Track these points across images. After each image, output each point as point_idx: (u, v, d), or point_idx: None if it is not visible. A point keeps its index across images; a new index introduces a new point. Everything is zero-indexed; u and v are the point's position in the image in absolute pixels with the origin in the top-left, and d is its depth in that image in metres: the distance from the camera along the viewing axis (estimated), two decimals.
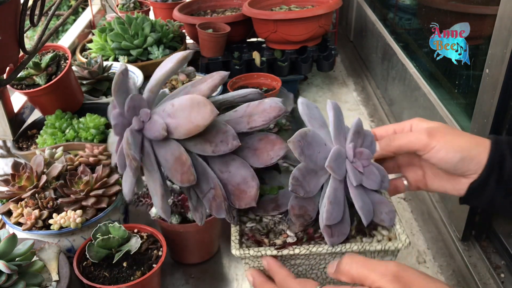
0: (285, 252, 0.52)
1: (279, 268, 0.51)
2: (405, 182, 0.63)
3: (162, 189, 0.50)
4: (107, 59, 1.37)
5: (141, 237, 0.76)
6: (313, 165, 0.51)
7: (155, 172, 0.50)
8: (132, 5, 1.82)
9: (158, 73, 0.54)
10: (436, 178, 0.60)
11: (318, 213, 0.53)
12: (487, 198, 0.55)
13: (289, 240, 0.54)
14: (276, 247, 0.53)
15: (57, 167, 0.82)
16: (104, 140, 1.01)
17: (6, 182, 0.80)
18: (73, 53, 1.46)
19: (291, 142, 0.49)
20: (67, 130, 1.00)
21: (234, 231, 0.55)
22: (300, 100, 0.56)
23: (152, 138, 0.50)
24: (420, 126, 0.58)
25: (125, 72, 0.50)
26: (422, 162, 0.61)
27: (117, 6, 1.82)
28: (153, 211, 0.78)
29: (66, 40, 1.57)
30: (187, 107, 0.48)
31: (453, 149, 0.54)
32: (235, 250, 0.52)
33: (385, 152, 0.57)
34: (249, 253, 0.52)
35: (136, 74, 1.25)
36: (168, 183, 0.80)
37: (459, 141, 0.54)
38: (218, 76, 0.52)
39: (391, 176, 0.59)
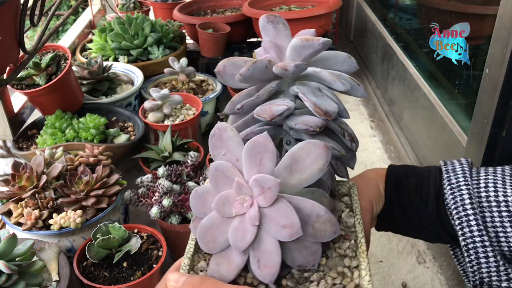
0: None
1: None
2: None
3: None
4: (107, 59, 1.37)
5: (141, 237, 0.76)
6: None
7: None
8: (132, 5, 1.82)
9: None
10: None
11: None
12: (394, 222, 0.60)
13: None
14: None
15: (57, 167, 0.82)
16: (104, 140, 1.01)
17: (6, 182, 0.80)
18: (73, 53, 1.46)
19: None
20: (67, 130, 1.00)
21: None
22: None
23: None
24: None
25: None
26: None
27: (117, 6, 1.82)
28: (153, 211, 0.78)
29: (66, 40, 1.57)
30: None
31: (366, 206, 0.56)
32: None
33: None
34: None
35: (136, 74, 1.25)
36: (167, 183, 0.80)
37: (368, 194, 0.57)
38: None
39: None
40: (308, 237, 0.41)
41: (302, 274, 0.43)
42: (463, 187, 0.53)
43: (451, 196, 0.53)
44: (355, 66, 0.50)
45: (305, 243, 0.41)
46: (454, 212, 0.52)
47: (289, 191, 0.41)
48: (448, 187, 0.54)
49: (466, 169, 0.55)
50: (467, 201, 0.51)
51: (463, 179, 0.54)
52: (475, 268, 0.51)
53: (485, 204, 0.52)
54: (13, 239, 0.66)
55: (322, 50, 0.47)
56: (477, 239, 0.50)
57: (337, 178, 0.51)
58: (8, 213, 0.79)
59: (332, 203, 0.45)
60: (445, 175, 0.55)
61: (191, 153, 0.90)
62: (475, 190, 0.53)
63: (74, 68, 1.13)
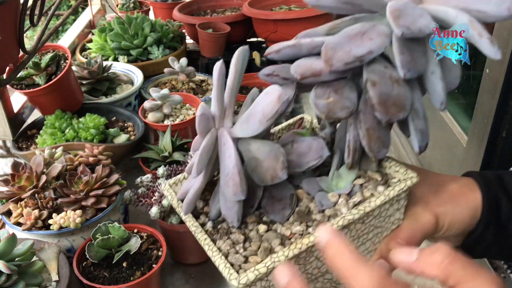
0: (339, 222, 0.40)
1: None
2: None
3: None
4: (107, 59, 1.37)
5: (141, 237, 0.76)
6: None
7: None
8: (132, 5, 1.82)
9: None
10: None
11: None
12: (482, 250, 0.49)
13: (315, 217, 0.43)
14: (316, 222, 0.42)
15: (56, 167, 0.82)
16: (103, 140, 1.01)
17: (6, 182, 0.80)
18: (73, 53, 1.45)
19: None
20: (67, 130, 1.00)
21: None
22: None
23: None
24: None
25: None
26: None
27: (117, 6, 1.82)
28: (153, 211, 0.78)
29: (66, 40, 1.57)
30: None
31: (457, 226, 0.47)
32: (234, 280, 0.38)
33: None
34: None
35: (136, 74, 1.25)
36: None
37: (460, 214, 0.47)
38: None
39: None
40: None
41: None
42: None
43: None
44: (508, 8, 0.34)
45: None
46: None
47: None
48: None
49: None
50: None
51: None
52: None
53: None
54: (12, 239, 0.66)
55: None
56: None
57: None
58: (8, 213, 0.78)
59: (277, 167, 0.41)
60: None
61: (191, 153, 0.90)
62: None
63: (74, 68, 1.13)
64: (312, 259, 0.42)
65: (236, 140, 0.43)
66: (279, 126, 0.54)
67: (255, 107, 0.41)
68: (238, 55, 0.43)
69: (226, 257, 0.41)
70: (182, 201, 0.47)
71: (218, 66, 0.43)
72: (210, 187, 0.48)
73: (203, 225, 0.45)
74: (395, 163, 0.45)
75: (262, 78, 0.44)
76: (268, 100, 0.40)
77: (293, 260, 0.40)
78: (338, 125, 0.46)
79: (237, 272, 0.39)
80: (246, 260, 0.40)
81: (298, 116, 0.55)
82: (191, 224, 0.45)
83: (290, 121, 0.55)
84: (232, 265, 0.40)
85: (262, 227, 0.43)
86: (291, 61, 0.42)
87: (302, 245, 0.39)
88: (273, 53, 0.42)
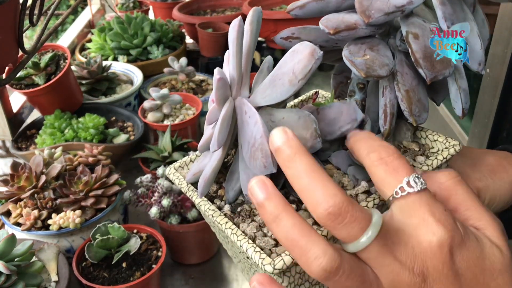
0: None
1: None
2: None
3: None
4: (106, 59, 1.36)
5: (141, 238, 0.76)
6: None
7: None
8: (131, 4, 1.82)
9: None
10: None
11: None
12: None
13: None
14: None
15: (56, 167, 0.82)
16: (103, 140, 1.01)
17: (5, 182, 0.80)
18: (72, 52, 1.45)
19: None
20: (66, 130, 0.99)
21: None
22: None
23: None
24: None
25: None
26: None
27: (117, 5, 1.82)
28: (153, 211, 0.78)
29: (65, 40, 1.57)
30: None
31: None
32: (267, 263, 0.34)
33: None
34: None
35: (135, 74, 1.25)
36: (167, 183, 0.80)
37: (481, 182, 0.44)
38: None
39: None
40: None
41: None
42: None
43: None
44: None
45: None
46: None
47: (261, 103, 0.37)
48: None
49: None
50: None
51: None
52: None
53: None
54: (12, 239, 0.66)
55: None
56: None
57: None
58: (7, 213, 0.78)
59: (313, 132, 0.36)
60: None
61: (191, 153, 0.90)
62: None
63: (73, 67, 1.13)
64: None
65: (257, 110, 0.37)
66: (290, 103, 0.49)
67: (281, 69, 0.36)
68: (253, 15, 0.37)
69: (254, 240, 0.36)
70: (193, 184, 0.42)
71: (236, 23, 0.36)
72: (222, 168, 0.43)
73: (219, 209, 0.40)
74: (431, 131, 0.41)
75: (279, 42, 0.40)
76: (298, 57, 0.35)
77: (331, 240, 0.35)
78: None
79: (269, 256, 0.34)
80: (276, 244, 0.36)
81: (312, 91, 0.50)
82: (207, 208, 0.40)
83: (303, 96, 0.50)
84: (262, 249, 0.35)
85: None
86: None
87: None
88: (296, 9, 0.39)
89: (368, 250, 0.30)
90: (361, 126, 0.38)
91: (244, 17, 0.34)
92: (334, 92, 0.46)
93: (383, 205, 0.38)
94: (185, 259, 0.86)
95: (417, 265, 0.30)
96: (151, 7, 1.83)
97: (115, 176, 0.82)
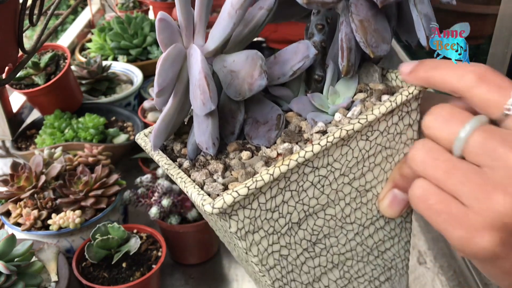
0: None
1: None
2: None
3: None
4: (106, 59, 1.36)
5: (141, 238, 0.76)
6: None
7: None
8: (131, 4, 1.82)
9: None
10: None
11: None
12: None
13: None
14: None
15: (56, 167, 0.82)
16: (103, 140, 1.01)
17: (5, 182, 0.80)
18: (72, 52, 1.45)
19: None
20: (66, 130, 0.99)
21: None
22: None
23: None
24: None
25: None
26: None
27: (117, 5, 1.82)
28: (153, 212, 0.78)
29: (65, 40, 1.57)
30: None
31: None
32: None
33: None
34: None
35: (135, 74, 1.25)
36: (167, 183, 0.80)
37: None
38: None
39: None
40: None
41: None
42: None
43: None
44: None
45: None
46: None
47: None
48: None
49: None
50: None
51: None
52: None
53: None
54: (12, 239, 0.66)
55: None
56: None
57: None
58: (7, 214, 0.78)
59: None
60: None
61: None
62: None
63: (73, 67, 1.13)
64: (306, 184, 0.34)
65: (211, 60, 0.36)
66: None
67: (223, 8, 0.34)
68: None
69: (202, 187, 0.34)
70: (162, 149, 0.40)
71: None
72: (189, 128, 0.41)
73: (179, 165, 0.38)
74: None
75: None
76: None
77: (280, 183, 0.33)
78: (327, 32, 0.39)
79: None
80: (225, 188, 0.34)
81: None
82: (163, 162, 0.37)
83: None
84: (209, 194, 0.33)
85: (245, 154, 0.36)
86: None
87: (290, 161, 0.32)
88: None
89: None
90: (322, 69, 0.37)
91: None
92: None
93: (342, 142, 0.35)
94: (185, 259, 0.86)
95: None
96: (151, 7, 1.83)
97: (115, 176, 0.82)
